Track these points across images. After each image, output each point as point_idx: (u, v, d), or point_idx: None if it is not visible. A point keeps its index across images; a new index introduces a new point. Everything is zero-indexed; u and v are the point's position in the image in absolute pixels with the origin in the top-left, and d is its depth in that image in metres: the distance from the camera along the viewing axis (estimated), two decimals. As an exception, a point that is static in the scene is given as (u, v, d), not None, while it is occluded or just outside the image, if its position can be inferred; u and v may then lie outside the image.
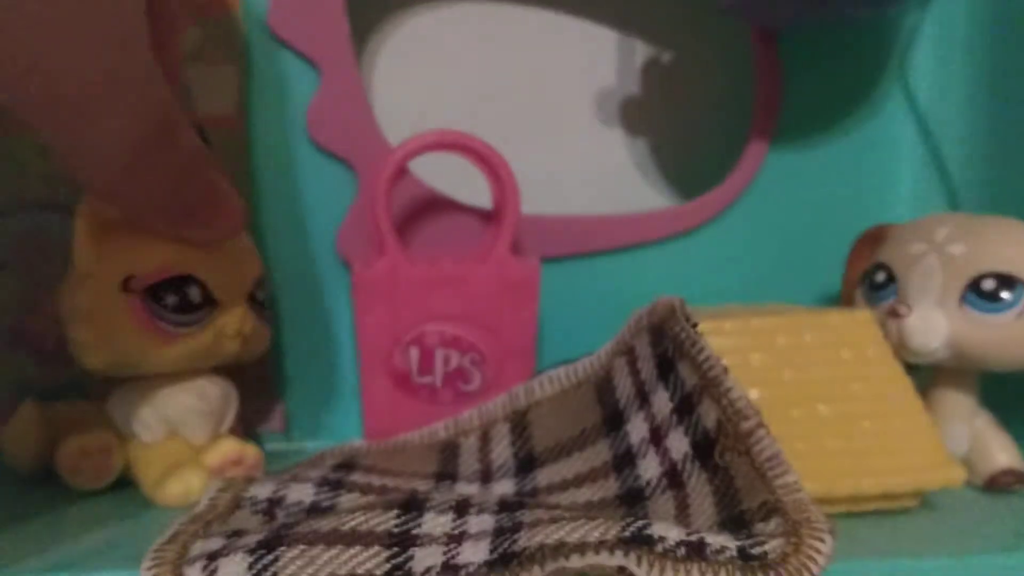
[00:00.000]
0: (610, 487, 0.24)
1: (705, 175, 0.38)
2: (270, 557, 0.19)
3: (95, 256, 0.25)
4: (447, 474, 0.26)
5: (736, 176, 0.37)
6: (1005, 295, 0.27)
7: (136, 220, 0.25)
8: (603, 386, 0.27)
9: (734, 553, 0.19)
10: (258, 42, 0.32)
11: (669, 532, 0.19)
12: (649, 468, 0.24)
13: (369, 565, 0.19)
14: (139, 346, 0.26)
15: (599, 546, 0.19)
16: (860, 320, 0.28)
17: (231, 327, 0.27)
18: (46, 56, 0.20)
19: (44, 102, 0.20)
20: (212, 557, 0.20)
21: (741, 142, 0.37)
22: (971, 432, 0.29)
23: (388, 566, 0.19)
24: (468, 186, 0.33)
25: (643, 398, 0.26)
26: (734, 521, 0.20)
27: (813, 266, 0.37)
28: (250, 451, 0.28)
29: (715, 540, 0.19)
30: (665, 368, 0.25)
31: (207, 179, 0.25)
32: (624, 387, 0.27)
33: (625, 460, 0.25)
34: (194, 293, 0.26)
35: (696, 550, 0.19)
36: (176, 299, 0.26)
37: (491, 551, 0.19)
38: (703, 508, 0.21)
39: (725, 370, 0.23)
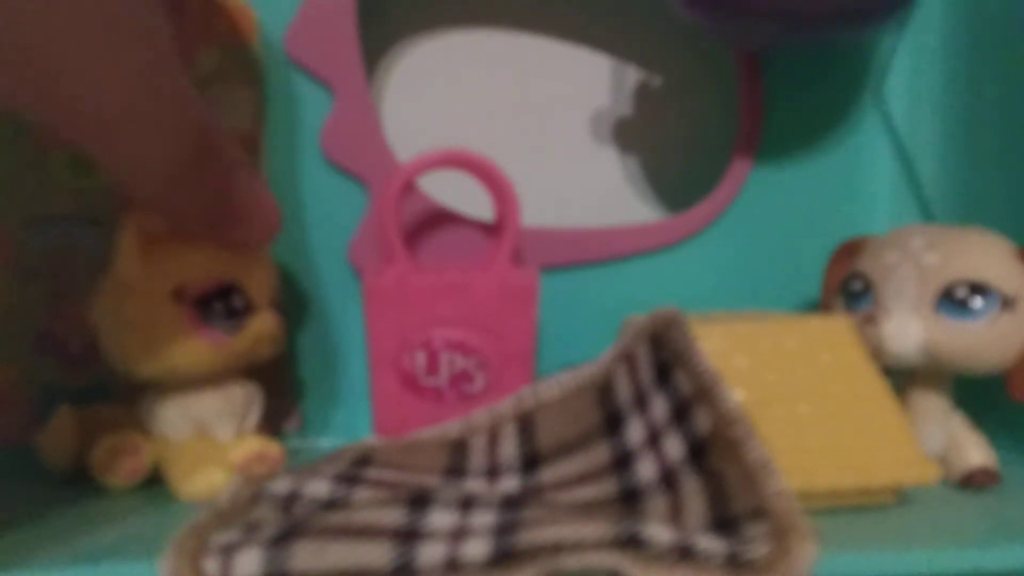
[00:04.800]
0: (609, 486, 0.24)
1: (693, 190, 0.38)
2: (283, 550, 0.19)
3: (141, 268, 0.25)
4: (457, 470, 0.26)
5: (722, 191, 0.36)
6: (977, 303, 0.27)
7: (179, 228, 0.25)
8: (604, 390, 0.27)
9: (723, 558, 0.18)
10: (275, 65, 0.32)
11: (662, 535, 0.19)
12: (646, 469, 0.23)
13: (376, 559, 0.19)
14: (190, 353, 0.25)
15: (594, 547, 0.18)
16: (839, 326, 0.28)
17: (266, 330, 0.27)
18: (77, 78, 0.19)
19: (80, 122, 0.20)
20: (229, 549, 0.19)
21: (726, 159, 0.37)
22: (946, 432, 0.29)
23: (394, 560, 0.19)
24: (472, 201, 0.33)
25: (642, 403, 0.25)
26: (724, 522, 0.20)
27: (794, 275, 0.36)
28: (273, 448, 0.28)
29: (706, 544, 0.19)
30: (663, 375, 0.25)
31: (247, 187, 0.25)
32: (624, 392, 0.26)
33: (624, 461, 0.24)
34: (237, 300, 0.26)
35: (687, 553, 0.18)
36: (223, 306, 0.26)
37: (491, 548, 0.19)
38: (695, 509, 0.21)
39: (719, 380, 0.23)
